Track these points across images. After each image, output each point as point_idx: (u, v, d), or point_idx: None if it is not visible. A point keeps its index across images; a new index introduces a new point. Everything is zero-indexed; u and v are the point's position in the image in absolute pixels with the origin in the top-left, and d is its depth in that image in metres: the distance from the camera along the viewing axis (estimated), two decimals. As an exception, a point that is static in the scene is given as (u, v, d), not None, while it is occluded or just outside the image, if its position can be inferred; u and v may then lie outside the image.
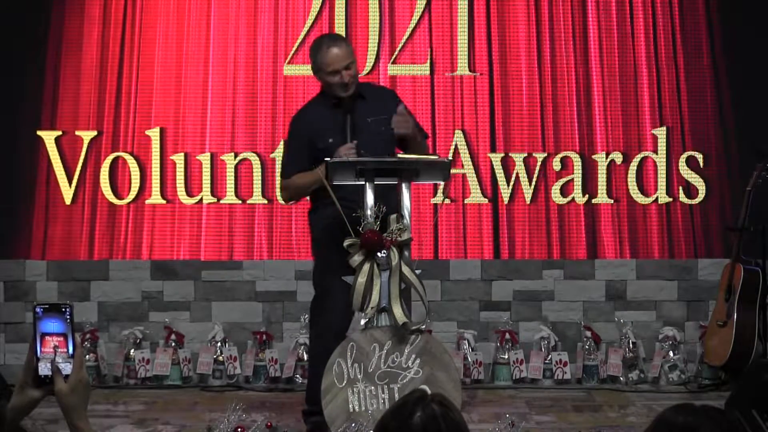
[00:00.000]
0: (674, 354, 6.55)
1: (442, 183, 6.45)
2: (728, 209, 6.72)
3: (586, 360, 6.56)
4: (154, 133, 6.74)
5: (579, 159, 6.75)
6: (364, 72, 6.70)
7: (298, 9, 6.78)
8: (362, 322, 5.01)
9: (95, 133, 6.74)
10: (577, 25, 6.79)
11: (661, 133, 6.76)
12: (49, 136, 6.71)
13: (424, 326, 5.11)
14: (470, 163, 6.72)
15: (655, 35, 6.78)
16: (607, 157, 6.76)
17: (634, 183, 6.74)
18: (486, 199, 6.75)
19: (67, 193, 6.71)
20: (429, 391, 2.42)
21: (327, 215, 5.22)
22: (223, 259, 6.73)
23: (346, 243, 4.98)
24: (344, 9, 6.75)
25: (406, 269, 4.98)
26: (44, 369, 2.43)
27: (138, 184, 6.73)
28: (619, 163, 6.76)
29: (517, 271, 6.73)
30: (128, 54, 6.75)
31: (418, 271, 5.05)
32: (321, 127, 5.25)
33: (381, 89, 5.64)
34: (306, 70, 6.72)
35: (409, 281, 4.99)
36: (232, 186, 6.73)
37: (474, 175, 6.72)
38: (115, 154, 6.73)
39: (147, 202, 6.73)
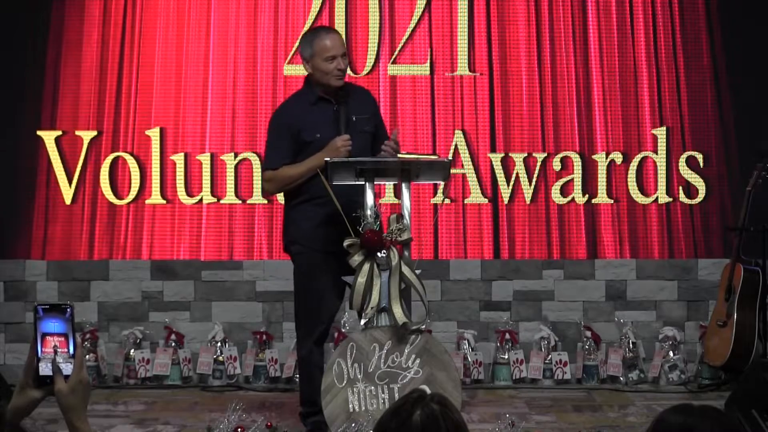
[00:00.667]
0: (674, 354, 6.55)
1: (442, 183, 6.45)
2: (728, 209, 6.72)
3: (586, 360, 6.56)
4: (154, 133, 6.75)
5: (579, 159, 6.75)
6: (364, 72, 6.71)
7: (298, 9, 6.78)
8: (362, 322, 5.01)
9: (95, 133, 6.74)
10: (577, 25, 6.79)
11: (661, 133, 6.76)
12: (49, 136, 6.72)
13: (424, 326, 5.11)
14: (470, 163, 6.73)
15: (655, 35, 6.78)
16: (607, 157, 6.76)
17: (634, 183, 6.75)
18: (486, 199, 6.75)
19: (67, 193, 6.71)
20: (429, 391, 2.42)
21: (304, 216, 5.21)
22: (223, 259, 6.73)
23: (346, 243, 4.97)
24: (344, 9, 6.75)
25: (406, 269, 4.98)
26: (45, 369, 2.43)
27: (138, 184, 6.73)
28: (619, 163, 6.76)
29: (517, 271, 6.73)
30: (128, 54, 6.75)
31: (418, 271, 5.05)
32: (308, 121, 5.23)
33: (361, 89, 5.63)
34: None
35: (409, 281, 4.99)
36: (232, 186, 6.73)
37: (474, 175, 6.72)
38: (115, 154, 6.73)
39: (147, 202, 6.73)
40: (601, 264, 6.74)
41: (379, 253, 4.95)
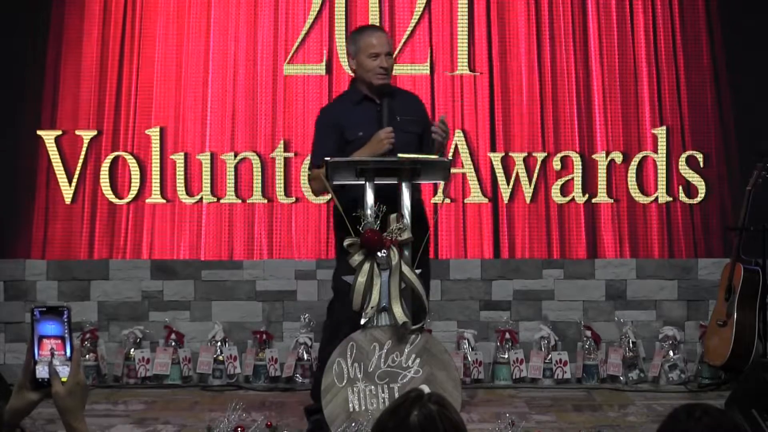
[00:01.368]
0: (674, 353, 6.55)
1: (442, 183, 6.45)
2: (728, 209, 6.72)
3: (586, 359, 6.56)
4: (154, 133, 6.75)
5: (579, 158, 6.75)
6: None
7: (298, 9, 6.78)
8: (362, 321, 5.01)
9: (95, 132, 6.74)
10: (577, 24, 6.79)
11: (661, 132, 6.76)
12: (49, 136, 6.72)
13: (424, 326, 5.11)
14: (470, 162, 6.73)
15: (655, 35, 6.78)
16: (607, 157, 6.76)
17: (634, 182, 6.75)
18: (486, 199, 6.75)
19: (67, 192, 6.71)
20: (427, 391, 2.42)
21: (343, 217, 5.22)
22: (223, 259, 6.73)
23: (345, 243, 4.98)
24: (344, 9, 6.75)
25: (406, 269, 4.98)
26: (42, 372, 2.43)
27: (138, 184, 6.73)
28: (619, 162, 6.76)
29: (517, 270, 6.73)
30: (128, 53, 6.75)
31: (418, 271, 5.05)
32: (351, 120, 5.28)
33: (409, 92, 5.71)
34: (306, 69, 6.75)
35: (409, 281, 4.99)
36: (232, 185, 6.73)
37: (474, 174, 6.72)
38: (115, 153, 6.74)
39: (147, 201, 6.73)
40: (601, 263, 6.74)
41: (379, 253, 4.94)
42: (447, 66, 6.78)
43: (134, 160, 6.73)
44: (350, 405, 4.93)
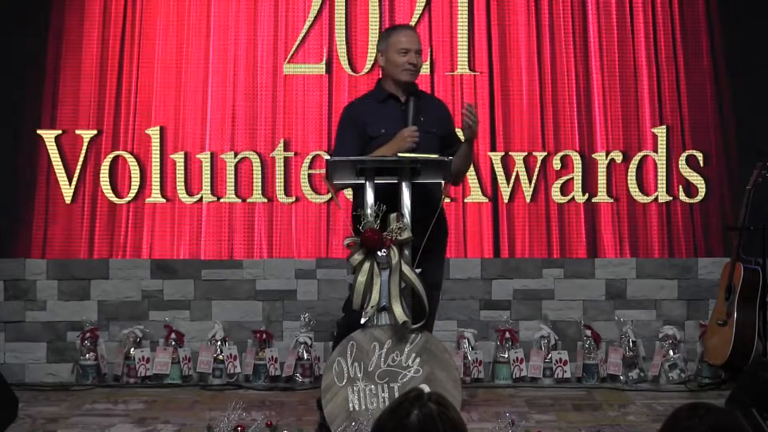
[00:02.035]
0: (674, 353, 6.56)
1: (443, 182, 6.45)
2: (728, 208, 6.73)
3: (586, 359, 6.56)
4: (154, 132, 6.75)
5: (579, 158, 6.76)
6: (364, 71, 6.71)
7: (298, 9, 6.78)
8: (362, 320, 5.01)
9: (95, 132, 6.74)
10: (577, 24, 6.79)
11: (661, 132, 6.76)
12: (49, 135, 6.72)
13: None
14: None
15: (655, 35, 6.78)
16: (607, 156, 6.76)
17: (634, 182, 6.75)
18: (486, 198, 6.75)
19: (67, 192, 6.71)
20: (427, 390, 2.42)
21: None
22: (223, 258, 6.73)
23: (346, 242, 4.98)
24: (344, 9, 6.75)
25: (406, 268, 4.98)
26: None
27: (138, 183, 6.73)
28: (619, 162, 6.76)
29: (517, 269, 6.73)
30: (128, 53, 6.75)
31: (418, 270, 5.05)
32: (373, 117, 5.30)
33: (433, 96, 5.75)
34: (306, 69, 6.75)
35: (409, 280, 4.99)
36: (232, 185, 6.73)
37: (474, 174, 6.72)
38: (115, 153, 6.74)
39: (147, 201, 6.73)
40: (601, 263, 6.74)
41: (379, 252, 4.94)
42: (447, 66, 6.78)
43: (134, 160, 6.73)
44: (350, 404, 4.93)
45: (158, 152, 6.74)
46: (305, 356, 6.51)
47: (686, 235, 6.78)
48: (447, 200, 6.71)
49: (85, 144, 6.72)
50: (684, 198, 6.75)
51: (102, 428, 5.42)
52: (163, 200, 6.73)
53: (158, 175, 6.73)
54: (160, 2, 6.77)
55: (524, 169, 6.75)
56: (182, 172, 6.73)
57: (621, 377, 6.54)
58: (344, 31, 6.72)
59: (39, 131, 6.71)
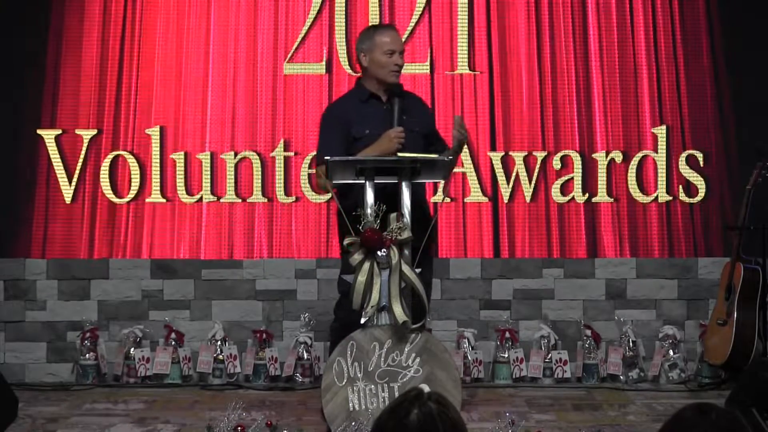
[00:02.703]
0: (674, 353, 6.55)
1: (442, 182, 6.46)
2: (728, 208, 6.73)
3: (586, 359, 6.56)
4: (154, 132, 6.75)
5: (579, 158, 6.76)
6: (364, 71, 6.71)
7: (298, 9, 6.78)
8: (362, 320, 5.02)
9: (95, 131, 6.74)
10: (577, 24, 6.79)
11: (661, 131, 6.76)
12: (49, 135, 6.72)
13: (424, 325, 5.12)
14: (470, 161, 6.73)
15: (655, 35, 6.78)
16: (607, 156, 6.76)
17: (634, 182, 6.75)
18: (486, 198, 6.75)
19: (67, 191, 6.71)
20: (427, 390, 2.42)
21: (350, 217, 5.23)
22: (223, 258, 6.73)
23: (346, 242, 4.98)
24: (344, 9, 6.75)
25: (406, 268, 4.98)
26: None
27: (138, 183, 6.73)
28: (619, 161, 6.76)
29: (517, 269, 6.73)
30: (128, 53, 6.75)
31: (417, 270, 5.05)
32: (358, 117, 5.30)
33: (415, 95, 5.75)
34: (306, 68, 6.75)
35: (409, 280, 4.99)
36: (232, 185, 6.73)
37: (474, 173, 6.73)
38: (115, 152, 6.74)
39: (147, 200, 6.73)
40: (601, 263, 6.74)
41: (379, 252, 4.95)
42: (447, 66, 6.78)
43: (134, 160, 6.73)
44: (350, 404, 4.93)
45: (158, 152, 6.74)
46: (305, 356, 6.51)
47: (686, 235, 6.78)
48: (447, 200, 6.72)
49: (85, 144, 6.72)
50: (684, 198, 6.75)
51: (102, 428, 5.42)
52: (163, 200, 6.73)
53: (158, 175, 6.73)
54: (160, 2, 6.77)
55: (524, 169, 6.75)
56: (182, 171, 6.73)
57: (621, 377, 6.54)
58: (344, 31, 6.72)
59: (39, 131, 6.71)
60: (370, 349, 4.96)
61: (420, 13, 6.75)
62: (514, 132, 6.77)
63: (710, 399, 5.94)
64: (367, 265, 4.95)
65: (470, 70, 6.76)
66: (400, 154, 5.25)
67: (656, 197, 6.75)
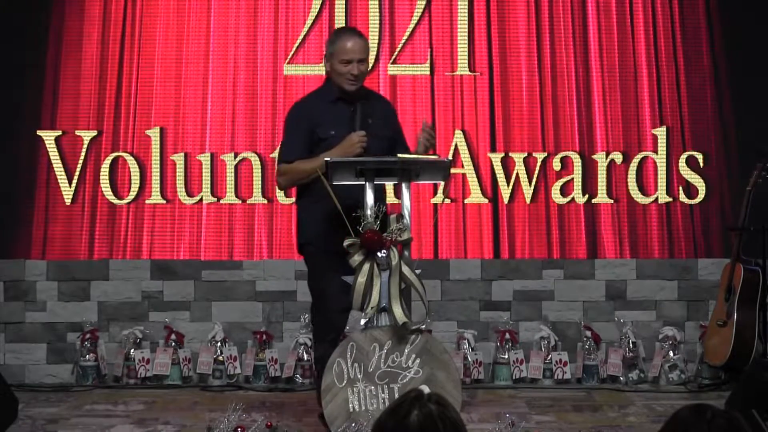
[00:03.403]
0: (674, 354, 6.55)
1: (442, 183, 6.46)
2: (728, 209, 6.72)
3: (586, 360, 6.56)
4: (154, 133, 6.74)
5: (579, 159, 6.75)
6: (364, 72, 6.70)
7: (298, 9, 6.78)
8: (362, 321, 5.01)
9: (95, 132, 6.74)
10: (577, 25, 6.79)
11: (661, 132, 6.76)
12: (49, 136, 6.71)
13: (424, 326, 5.11)
14: (470, 163, 6.73)
15: (655, 35, 6.78)
16: (607, 157, 6.76)
17: (634, 183, 6.75)
18: (486, 199, 6.75)
19: (67, 192, 6.71)
20: (427, 390, 2.42)
21: (316, 218, 5.24)
22: (223, 259, 6.73)
23: (346, 243, 4.98)
24: (344, 9, 6.75)
25: (406, 269, 4.98)
26: None
27: (138, 184, 6.73)
28: (619, 162, 6.76)
29: (517, 270, 6.73)
30: (128, 54, 6.75)
31: (418, 271, 5.05)
32: (324, 119, 5.28)
33: (381, 97, 5.72)
34: (306, 69, 6.75)
35: (409, 281, 4.99)
36: (232, 186, 6.73)
37: (474, 174, 6.72)
38: (115, 153, 6.73)
39: (147, 201, 6.73)
40: (601, 264, 6.74)
41: (379, 253, 4.95)
42: (447, 66, 6.77)
43: (134, 161, 6.73)
44: (350, 405, 4.93)
45: (158, 153, 6.73)
46: (305, 357, 6.51)
47: (686, 236, 6.77)
48: (447, 201, 6.72)
49: (85, 145, 6.72)
50: (684, 199, 6.75)
51: (102, 429, 5.42)
52: (163, 201, 6.73)
53: (158, 176, 6.73)
54: (160, 2, 6.77)
55: (524, 170, 6.75)
56: (182, 173, 6.72)
57: (621, 378, 6.53)
58: (344, 31, 6.71)
59: (39, 132, 6.71)
60: (370, 350, 4.95)
61: (420, 13, 6.75)
62: (514, 133, 6.77)
63: (710, 400, 5.93)
64: (367, 266, 4.95)
65: (470, 71, 6.76)
66: (400, 155, 5.24)
67: (656, 198, 6.75)
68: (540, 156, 6.74)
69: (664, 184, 6.74)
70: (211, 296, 6.70)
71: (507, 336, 6.58)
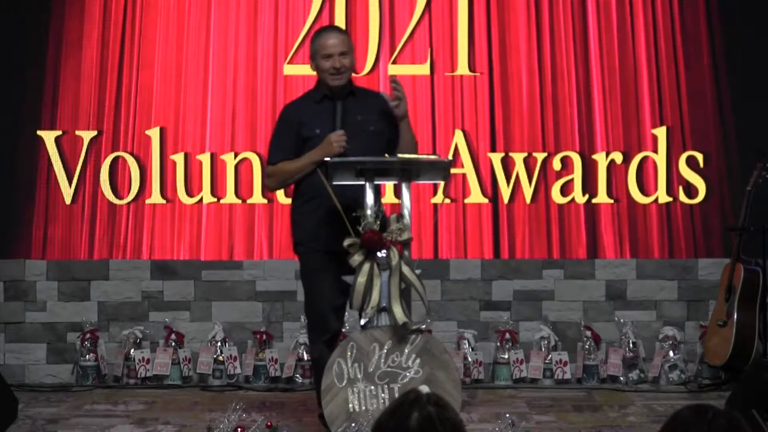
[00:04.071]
0: (674, 354, 6.55)
1: (442, 183, 6.46)
2: (728, 209, 6.72)
3: (586, 360, 6.56)
4: (154, 133, 6.74)
5: (579, 158, 6.75)
6: (364, 72, 6.70)
7: (298, 9, 6.78)
8: (362, 322, 5.01)
9: (95, 132, 6.74)
10: (577, 25, 6.78)
11: (661, 132, 6.76)
12: (49, 136, 6.71)
13: (424, 326, 5.11)
14: (470, 162, 6.73)
15: (655, 35, 6.78)
16: (607, 157, 6.76)
17: (634, 183, 6.74)
18: (486, 199, 6.75)
19: (67, 192, 6.71)
20: (427, 391, 2.42)
21: (307, 218, 5.24)
22: (223, 259, 6.73)
23: (346, 243, 4.98)
24: (344, 9, 6.75)
25: (406, 269, 4.98)
26: None
27: (138, 184, 6.73)
28: (619, 162, 6.76)
29: (517, 270, 6.73)
30: (128, 54, 6.75)
31: (418, 271, 5.05)
32: (309, 118, 5.27)
33: (373, 92, 5.67)
34: (306, 69, 6.73)
35: (409, 281, 4.99)
36: (232, 186, 6.73)
37: (474, 174, 6.72)
38: (115, 153, 6.73)
39: (147, 201, 6.73)
40: (601, 264, 6.74)
41: (379, 253, 4.94)
42: (447, 66, 6.77)
43: (134, 161, 6.73)
44: (350, 405, 4.93)
45: (158, 153, 6.73)
46: (305, 357, 6.51)
47: (686, 236, 6.77)
48: (447, 201, 6.72)
49: (85, 145, 6.72)
50: (684, 199, 6.75)
51: (102, 429, 5.43)
52: (163, 201, 6.73)
53: (158, 176, 6.73)
54: (160, 2, 6.77)
55: (524, 170, 6.75)
56: (182, 172, 6.72)
57: (621, 378, 6.53)
58: (344, 31, 6.71)
59: (39, 132, 6.71)
60: (370, 351, 4.95)
61: (420, 13, 6.75)
62: (515, 133, 6.77)
63: (710, 400, 5.94)
64: (367, 267, 4.95)
65: (470, 71, 6.76)
66: (400, 155, 5.24)
67: (656, 198, 6.75)
68: (540, 156, 6.74)
69: (664, 184, 6.74)
70: (211, 296, 6.70)
71: (507, 336, 6.58)
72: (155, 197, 6.72)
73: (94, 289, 6.70)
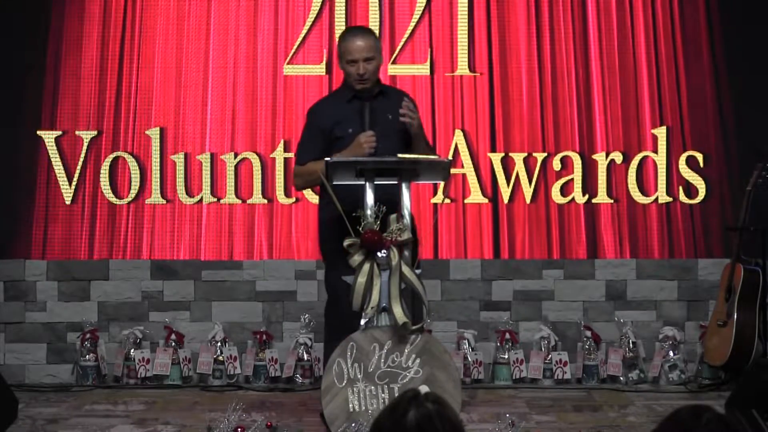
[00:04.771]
0: (674, 354, 6.55)
1: (442, 183, 6.46)
2: (728, 209, 6.72)
3: (586, 360, 6.56)
4: (154, 133, 6.75)
5: (579, 159, 6.75)
6: (364, 72, 6.70)
7: (298, 9, 6.78)
8: (362, 322, 5.02)
9: (95, 132, 6.74)
10: (577, 25, 6.79)
11: (661, 132, 6.76)
12: (49, 136, 6.72)
13: (424, 326, 5.11)
14: (470, 162, 6.73)
15: (655, 35, 6.78)
16: (607, 157, 6.76)
17: (634, 183, 6.75)
18: (486, 199, 6.75)
19: (67, 192, 6.71)
20: (426, 390, 2.42)
21: (332, 216, 5.25)
22: (223, 259, 6.73)
23: (346, 243, 4.98)
24: (344, 9, 6.75)
25: (406, 269, 4.98)
26: None
27: (138, 184, 6.73)
28: (619, 162, 6.76)
29: (517, 270, 6.73)
30: (128, 54, 6.75)
31: (418, 271, 5.05)
32: (340, 117, 5.31)
33: (400, 91, 5.72)
34: (306, 69, 6.76)
35: (409, 281, 4.99)
36: (232, 186, 6.73)
37: (474, 174, 6.72)
38: (115, 153, 6.74)
39: (147, 201, 6.73)
40: (601, 264, 6.74)
41: (379, 253, 4.95)
42: (447, 66, 6.77)
43: (134, 161, 6.73)
44: (350, 405, 4.93)
45: (158, 153, 6.74)
46: (305, 357, 6.51)
47: (686, 236, 6.77)
48: (447, 201, 6.72)
49: (85, 145, 6.72)
50: (684, 199, 6.75)
51: (102, 429, 5.42)
52: (163, 201, 6.73)
53: (158, 176, 6.73)
54: (160, 2, 6.77)
55: (524, 170, 6.75)
56: (182, 173, 6.73)
57: (621, 378, 6.53)
58: (344, 31, 6.71)
59: (39, 132, 6.71)
60: (370, 351, 4.96)
61: (420, 13, 6.75)
62: (514, 133, 6.77)
63: (710, 400, 5.93)
64: (367, 266, 4.95)
65: (470, 71, 6.76)
66: (401, 155, 5.25)
67: (656, 198, 6.75)
68: (540, 156, 6.74)
69: (664, 184, 6.74)
70: (211, 296, 6.71)
71: (507, 336, 6.59)
72: (155, 197, 6.73)
73: (94, 289, 6.70)
